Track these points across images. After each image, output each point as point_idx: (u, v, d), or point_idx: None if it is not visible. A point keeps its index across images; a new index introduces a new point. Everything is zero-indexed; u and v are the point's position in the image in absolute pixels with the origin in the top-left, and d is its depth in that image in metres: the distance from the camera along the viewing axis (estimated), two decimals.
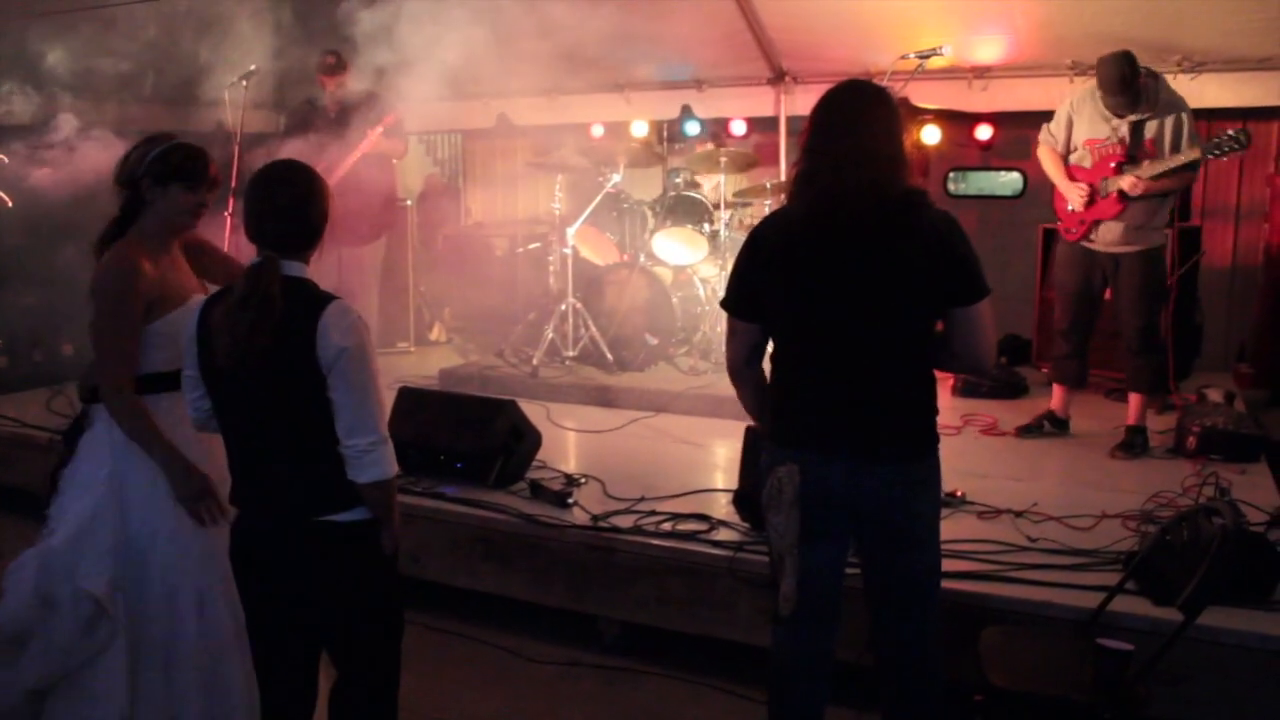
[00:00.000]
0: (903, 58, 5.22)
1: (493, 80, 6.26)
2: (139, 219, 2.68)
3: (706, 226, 6.21)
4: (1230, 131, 4.25)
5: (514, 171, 8.79)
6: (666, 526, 3.72)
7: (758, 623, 3.22)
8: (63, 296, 5.54)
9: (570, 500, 3.95)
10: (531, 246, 7.60)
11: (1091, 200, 4.51)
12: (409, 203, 7.62)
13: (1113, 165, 4.43)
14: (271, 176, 2.33)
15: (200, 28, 5.41)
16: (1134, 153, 4.39)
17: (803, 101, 6.65)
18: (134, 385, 2.62)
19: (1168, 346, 4.80)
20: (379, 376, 2.30)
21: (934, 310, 2.37)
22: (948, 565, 2.73)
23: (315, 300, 2.25)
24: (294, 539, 2.30)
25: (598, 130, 7.82)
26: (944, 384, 5.77)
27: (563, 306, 6.14)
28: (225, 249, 5.27)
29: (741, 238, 3.03)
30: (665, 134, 7.40)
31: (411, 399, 4.50)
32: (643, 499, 3.99)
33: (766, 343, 2.56)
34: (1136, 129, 4.39)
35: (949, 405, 5.51)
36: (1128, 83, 4.26)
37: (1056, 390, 4.98)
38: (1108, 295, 4.71)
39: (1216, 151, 4.26)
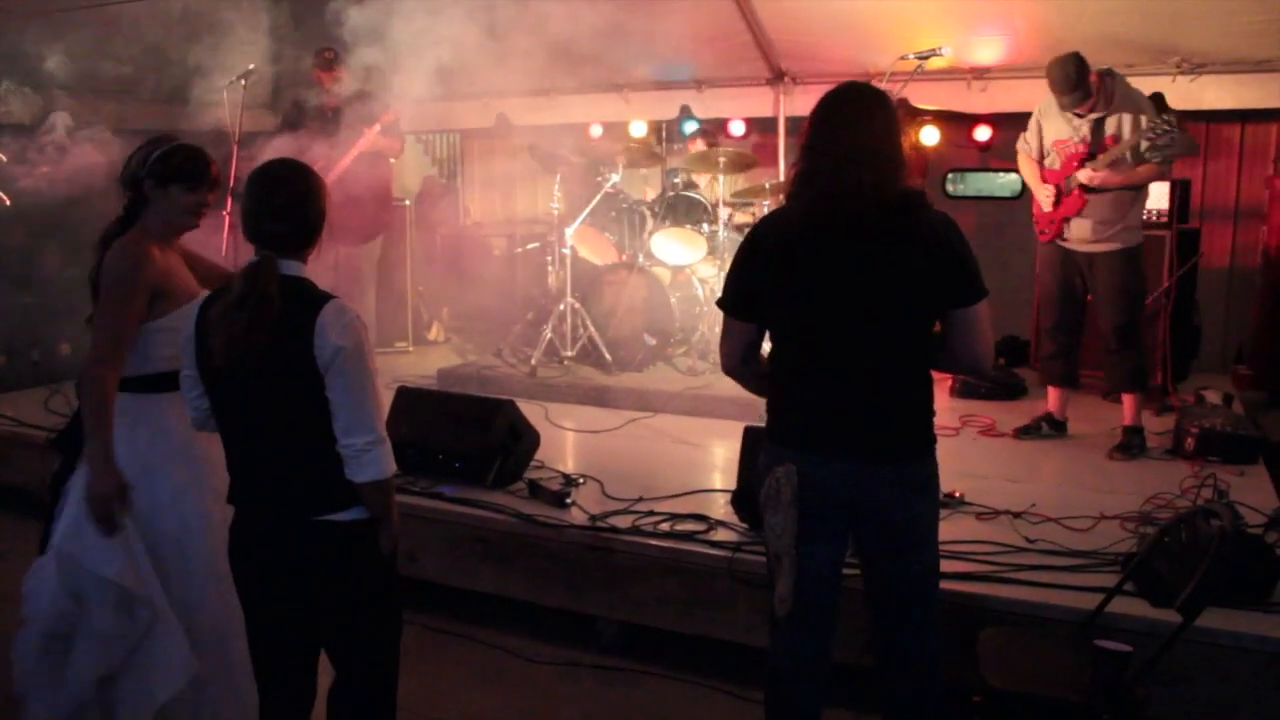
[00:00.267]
0: (902, 58, 5.24)
1: (491, 79, 6.26)
2: (141, 218, 2.73)
3: (705, 227, 6.21)
4: (1166, 117, 4.29)
5: (513, 171, 8.79)
6: (665, 527, 3.72)
7: (756, 623, 3.21)
8: (60, 296, 5.55)
9: (568, 500, 3.95)
10: (530, 246, 7.61)
11: (1058, 199, 4.59)
12: (407, 202, 7.62)
13: (1076, 164, 4.50)
14: (269, 175, 2.33)
15: (199, 28, 5.40)
16: (1095, 150, 4.47)
17: (802, 102, 6.63)
18: (118, 378, 2.64)
19: (1145, 345, 4.82)
20: (377, 376, 2.30)
21: (932, 311, 2.38)
22: (946, 566, 2.73)
23: (313, 299, 2.24)
24: (292, 539, 2.30)
25: (596, 130, 7.82)
26: (942, 385, 5.77)
27: (561, 306, 6.13)
28: (224, 249, 5.30)
29: (739, 238, 3.02)
30: (664, 134, 7.40)
31: (410, 399, 4.50)
32: (641, 499, 3.98)
33: (761, 342, 2.56)
34: (1097, 126, 4.47)
35: (947, 406, 5.51)
36: (1073, 82, 4.33)
37: (1052, 392, 5.00)
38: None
39: (1153, 135, 4.29)
